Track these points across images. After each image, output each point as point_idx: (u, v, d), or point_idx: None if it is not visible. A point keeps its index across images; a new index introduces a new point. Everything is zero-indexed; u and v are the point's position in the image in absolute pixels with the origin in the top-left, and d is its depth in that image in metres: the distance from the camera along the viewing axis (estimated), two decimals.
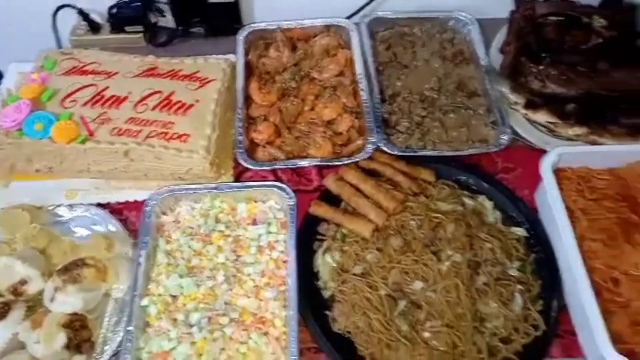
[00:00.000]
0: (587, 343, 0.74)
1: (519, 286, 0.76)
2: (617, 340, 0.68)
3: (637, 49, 0.95)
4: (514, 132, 0.92)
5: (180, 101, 0.91)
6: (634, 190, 0.81)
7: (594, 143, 0.89)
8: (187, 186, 0.86)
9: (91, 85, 0.94)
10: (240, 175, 0.92)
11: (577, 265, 0.72)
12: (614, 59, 0.94)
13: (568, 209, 0.77)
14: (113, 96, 0.92)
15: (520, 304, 0.75)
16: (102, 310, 0.77)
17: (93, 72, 0.96)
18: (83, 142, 0.86)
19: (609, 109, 0.90)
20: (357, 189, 0.84)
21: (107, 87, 0.93)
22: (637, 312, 0.71)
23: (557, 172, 0.83)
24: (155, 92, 0.92)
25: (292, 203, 0.83)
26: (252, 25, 1.05)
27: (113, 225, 0.85)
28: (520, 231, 0.83)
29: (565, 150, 0.83)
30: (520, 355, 0.72)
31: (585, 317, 0.69)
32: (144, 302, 0.76)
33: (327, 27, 1.05)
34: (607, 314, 0.70)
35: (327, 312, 0.76)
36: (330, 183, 0.86)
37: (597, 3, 1.03)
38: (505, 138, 0.89)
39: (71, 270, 0.76)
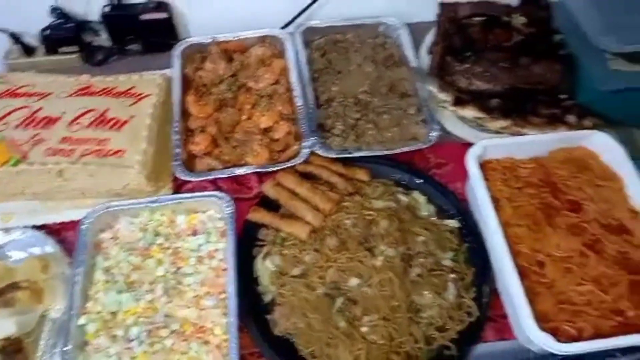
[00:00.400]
0: (515, 324, 0.77)
1: (452, 275, 0.79)
2: (543, 319, 0.71)
3: (554, 44, 1.00)
4: (445, 129, 0.96)
5: (115, 118, 0.92)
6: (554, 176, 0.85)
7: (518, 134, 0.93)
8: (123, 202, 0.86)
9: (23, 107, 0.93)
10: (181, 187, 0.93)
11: (502, 250, 0.75)
12: (533, 54, 0.99)
13: (494, 198, 0.81)
14: (46, 117, 0.92)
15: (453, 292, 0.78)
16: (39, 333, 0.76)
17: (26, 94, 0.95)
18: (15, 164, 0.86)
19: (529, 101, 0.94)
20: (294, 193, 0.86)
21: (40, 109, 0.93)
22: (560, 291, 0.74)
23: (485, 164, 0.86)
24: (90, 111, 0.92)
25: (230, 211, 0.84)
26: (188, 39, 1.06)
27: (50, 247, 0.84)
28: (453, 223, 0.86)
29: (489, 143, 0.86)
30: (456, 342, 0.75)
31: (512, 299, 0.72)
32: (82, 320, 0.75)
33: (262, 38, 1.07)
34: (533, 295, 0.73)
35: (268, 316, 0.77)
36: (268, 189, 0.88)
37: (516, 2, 1.09)
38: (434, 135, 0.92)
39: (4, 295, 0.75)
